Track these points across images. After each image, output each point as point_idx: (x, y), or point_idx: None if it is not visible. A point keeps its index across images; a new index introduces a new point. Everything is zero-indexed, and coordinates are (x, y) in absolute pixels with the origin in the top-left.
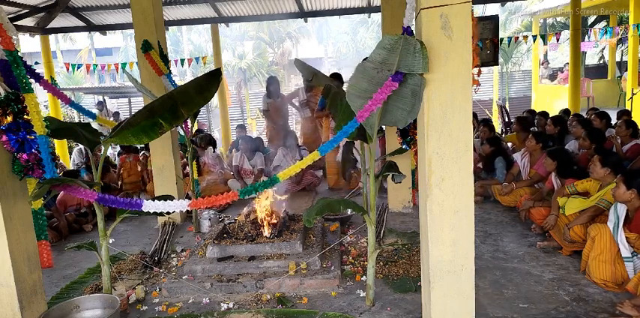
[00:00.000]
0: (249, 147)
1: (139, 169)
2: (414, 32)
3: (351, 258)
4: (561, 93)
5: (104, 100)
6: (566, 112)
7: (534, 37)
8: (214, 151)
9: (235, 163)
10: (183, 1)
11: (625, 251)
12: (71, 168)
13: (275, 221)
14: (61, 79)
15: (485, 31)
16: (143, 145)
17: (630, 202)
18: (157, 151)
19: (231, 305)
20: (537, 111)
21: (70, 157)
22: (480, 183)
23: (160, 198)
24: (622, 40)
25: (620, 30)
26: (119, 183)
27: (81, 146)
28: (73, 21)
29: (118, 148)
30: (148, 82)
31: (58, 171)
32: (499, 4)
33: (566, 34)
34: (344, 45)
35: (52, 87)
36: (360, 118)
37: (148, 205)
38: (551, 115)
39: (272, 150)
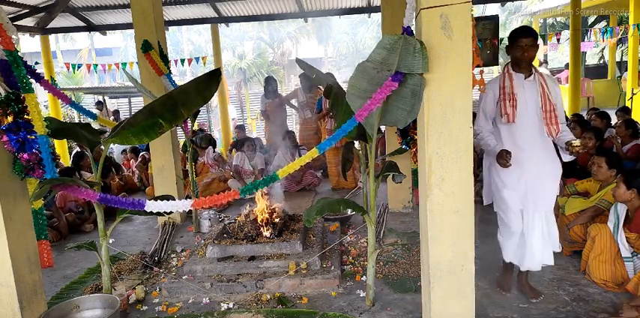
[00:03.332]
0: (252, 149)
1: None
2: (414, 32)
3: (351, 258)
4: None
5: (104, 99)
6: None
7: None
8: (214, 151)
9: (236, 162)
10: (183, 1)
11: (625, 251)
12: None
13: (275, 221)
14: (61, 79)
15: (486, 31)
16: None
17: (630, 202)
18: (156, 151)
19: (231, 305)
20: None
21: (70, 158)
22: (481, 183)
23: (160, 198)
24: (622, 40)
25: (620, 30)
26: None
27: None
28: (73, 21)
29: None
30: (148, 82)
31: (58, 171)
32: (499, 4)
33: (566, 34)
34: (344, 45)
35: (52, 87)
36: (358, 117)
37: (151, 205)
38: None
39: (271, 150)
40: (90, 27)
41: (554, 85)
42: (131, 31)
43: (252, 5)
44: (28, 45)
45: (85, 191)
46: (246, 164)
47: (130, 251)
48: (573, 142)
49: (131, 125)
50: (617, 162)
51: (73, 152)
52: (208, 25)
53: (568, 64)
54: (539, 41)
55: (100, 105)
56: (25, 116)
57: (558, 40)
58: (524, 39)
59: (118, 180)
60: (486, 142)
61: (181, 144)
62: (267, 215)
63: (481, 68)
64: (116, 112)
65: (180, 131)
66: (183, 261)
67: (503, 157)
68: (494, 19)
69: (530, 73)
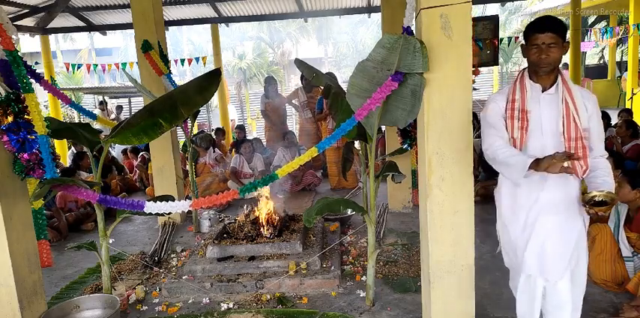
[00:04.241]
0: (249, 151)
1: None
2: (414, 32)
3: (351, 258)
4: None
5: (104, 99)
6: None
7: None
8: (214, 151)
9: (233, 165)
10: (183, 1)
11: (625, 251)
12: None
13: (275, 221)
14: (61, 79)
15: (485, 31)
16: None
17: (634, 202)
18: (156, 151)
19: (231, 305)
20: None
21: (70, 158)
22: (481, 184)
23: (159, 198)
24: (622, 40)
25: (620, 30)
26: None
27: (72, 149)
28: (73, 21)
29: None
30: (148, 82)
31: (58, 171)
32: (499, 4)
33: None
34: (344, 45)
35: (52, 87)
36: (358, 116)
37: (150, 206)
38: None
39: (271, 152)
40: (90, 27)
41: (588, 101)
42: (131, 31)
43: (252, 5)
44: (28, 45)
45: (85, 192)
46: (245, 167)
47: (130, 251)
48: (595, 195)
49: (131, 125)
50: (621, 162)
51: (70, 151)
52: (208, 25)
53: (568, 64)
54: None
55: (102, 105)
56: (25, 116)
57: None
58: (541, 34)
59: (117, 180)
60: (505, 154)
61: (181, 144)
62: (267, 215)
63: (477, 68)
64: (119, 108)
65: (180, 131)
66: (183, 261)
67: (550, 161)
68: (494, 19)
69: (551, 84)
